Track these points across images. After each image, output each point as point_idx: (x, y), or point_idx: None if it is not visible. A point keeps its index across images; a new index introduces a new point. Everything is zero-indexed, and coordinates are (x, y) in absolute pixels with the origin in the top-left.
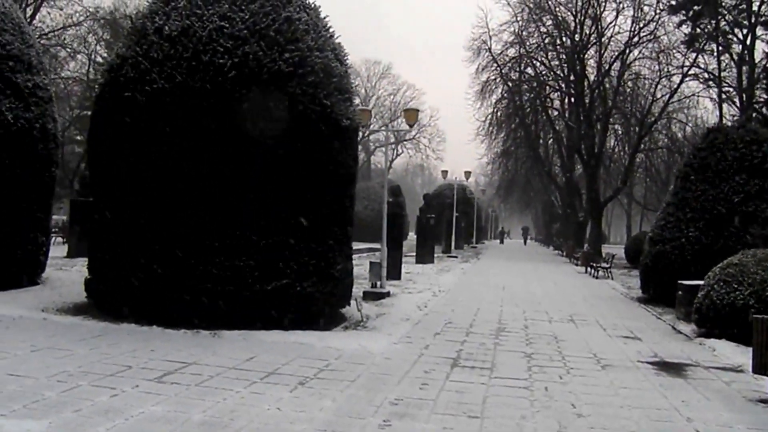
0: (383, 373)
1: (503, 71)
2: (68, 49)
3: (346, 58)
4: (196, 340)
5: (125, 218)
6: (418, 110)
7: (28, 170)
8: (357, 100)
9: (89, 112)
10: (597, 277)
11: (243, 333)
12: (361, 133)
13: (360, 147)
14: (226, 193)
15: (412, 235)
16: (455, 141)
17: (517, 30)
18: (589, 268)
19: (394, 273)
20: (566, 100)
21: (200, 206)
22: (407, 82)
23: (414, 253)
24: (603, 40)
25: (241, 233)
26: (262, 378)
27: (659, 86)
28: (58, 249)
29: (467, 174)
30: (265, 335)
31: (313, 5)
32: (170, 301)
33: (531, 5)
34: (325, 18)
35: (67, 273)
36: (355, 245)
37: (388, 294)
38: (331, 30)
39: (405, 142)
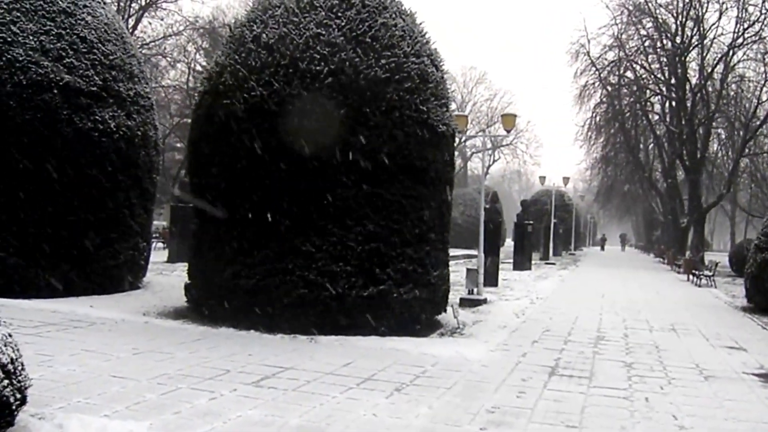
0: (480, 381)
1: (602, 75)
2: (168, 59)
3: (442, 63)
4: (293, 345)
5: (222, 224)
6: (515, 115)
7: (130, 176)
8: (453, 106)
9: (189, 120)
10: (700, 286)
11: (340, 338)
12: (457, 139)
13: (457, 153)
14: (322, 199)
15: (509, 242)
16: (553, 146)
17: (616, 33)
18: (691, 276)
19: (491, 280)
20: (667, 104)
21: (296, 212)
22: (504, 88)
23: (511, 260)
24: (705, 42)
25: (338, 240)
26: (358, 384)
27: (765, 89)
28: (159, 254)
29: (565, 180)
30: (361, 341)
31: (409, 11)
32: (267, 306)
33: (630, 8)
34: (420, 24)
35: (167, 277)
36: (452, 252)
37: (485, 301)
38: (427, 36)
39: (502, 148)
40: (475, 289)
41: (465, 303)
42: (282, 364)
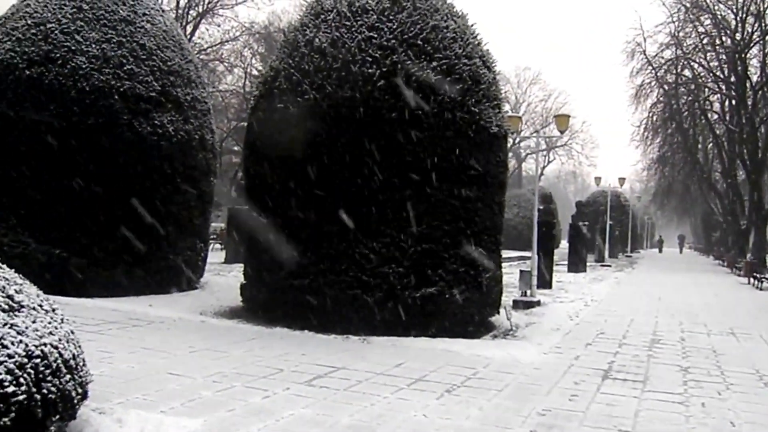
0: (532, 383)
1: (658, 74)
2: (225, 63)
3: (494, 65)
4: (345, 346)
5: (276, 226)
6: (569, 116)
7: (188, 179)
8: (507, 107)
9: (245, 124)
10: (761, 289)
11: (392, 339)
12: (511, 140)
13: (511, 154)
14: (375, 200)
15: (564, 243)
16: (609, 147)
17: (672, 31)
18: (752, 279)
19: (545, 282)
20: (727, 103)
21: (349, 214)
22: (558, 88)
23: (566, 262)
24: (767, 38)
25: (391, 240)
26: (409, 384)
27: None
28: (217, 255)
29: (621, 181)
30: (413, 342)
31: (460, 13)
32: (320, 306)
33: (688, 4)
34: (472, 25)
35: (224, 278)
36: (506, 253)
37: (538, 303)
38: (479, 37)
39: (557, 149)
40: (529, 291)
41: (518, 305)
42: (334, 363)
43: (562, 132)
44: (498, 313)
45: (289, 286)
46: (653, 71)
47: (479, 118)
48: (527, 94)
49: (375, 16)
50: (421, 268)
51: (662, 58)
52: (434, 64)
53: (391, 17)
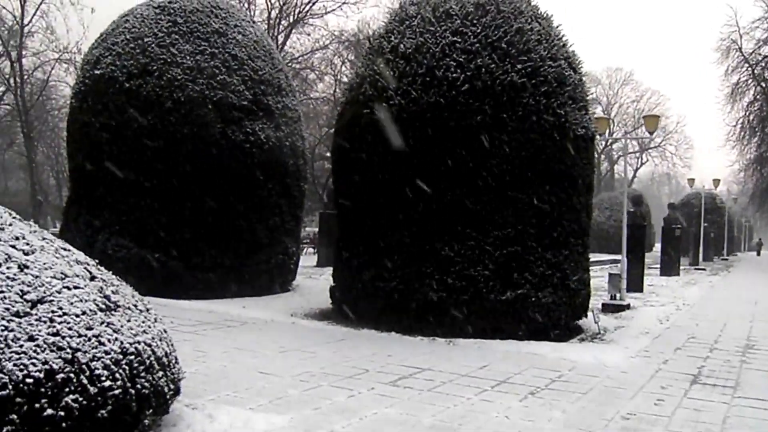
0: (617, 387)
1: (755, 72)
2: (316, 72)
3: (580, 66)
4: (431, 347)
5: (363, 229)
6: (658, 117)
7: (279, 185)
8: (598, 109)
9: None
10: None
11: (477, 341)
12: (603, 142)
13: (603, 156)
14: (460, 204)
15: (657, 247)
16: (703, 148)
17: None
18: None
19: (636, 285)
20: None
21: (434, 217)
22: (651, 88)
23: (658, 265)
24: None
25: (476, 244)
26: (492, 386)
27: None
28: (309, 258)
29: (716, 182)
30: (499, 344)
31: (544, 15)
32: (406, 308)
33: None
34: (558, 27)
35: (315, 281)
36: (598, 256)
37: (627, 306)
38: (564, 38)
39: (650, 150)
40: (618, 295)
41: (607, 308)
42: (419, 365)
43: (651, 133)
44: (585, 316)
45: (376, 289)
46: (750, 69)
47: (565, 120)
48: (619, 95)
49: (459, 21)
50: (506, 271)
51: (759, 54)
52: (518, 66)
53: (474, 21)
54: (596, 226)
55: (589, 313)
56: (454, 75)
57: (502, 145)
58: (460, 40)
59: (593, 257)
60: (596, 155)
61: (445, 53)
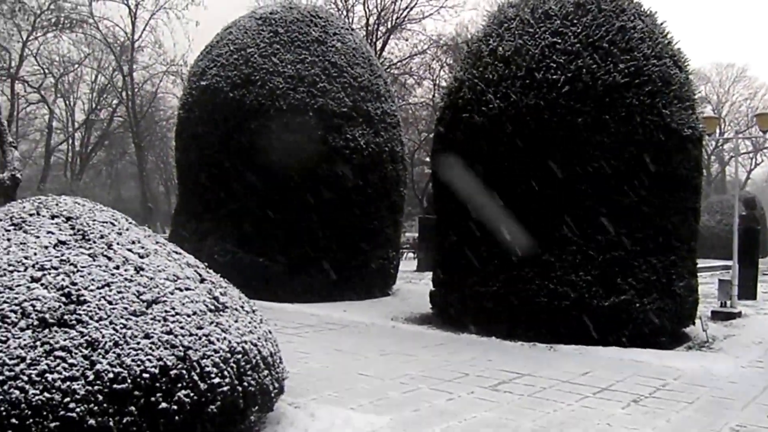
0: (726, 397)
1: None
2: (415, 77)
3: (687, 64)
4: (531, 353)
5: (462, 235)
6: None
7: (379, 190)
8: (708, 108)
9: None
10: None
11: (579, 348)
12: (713, 143)
13: (714, 157)
14: (561, 208)
15: None
16: None
17: None
18: None
19: (748, 292)
20: None
21: (534, 222)
22: (767, 84)
23: None
24: None
25: (578, 248)
26: (594, 393)
27: None
28: (410, 263)
29: None
30: (601, 351)
31: (648, 12)
32: (507, 313)
33: None
34: (662, 24)
35: (415, 285)
36: (708, 262)
37: (739, 314)
38: (669, 36)
39: (764, 150)
40: (728, 302)
41: (716, 316)
42: (519, 370)
43: (764, 132)
44: (693, 323)
45: (477, 294)
46: None
47: (670, 120)
48: (730, 93)
49: (558, 21)
50: (609, 277)
51: None
52: (621, 66)
53: (575, 21)
54: (706, 230)
55: (697, 321)
56: (554, 77)
57: (604, 147)
58: (560, 40)
59: (702, 263)
60: (705, 156)
61: (545, 55)
